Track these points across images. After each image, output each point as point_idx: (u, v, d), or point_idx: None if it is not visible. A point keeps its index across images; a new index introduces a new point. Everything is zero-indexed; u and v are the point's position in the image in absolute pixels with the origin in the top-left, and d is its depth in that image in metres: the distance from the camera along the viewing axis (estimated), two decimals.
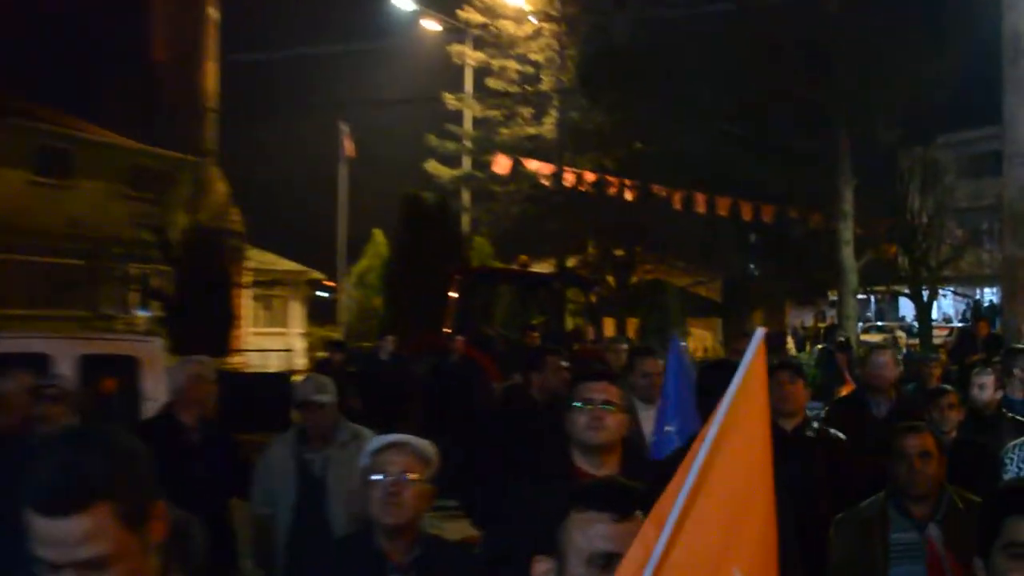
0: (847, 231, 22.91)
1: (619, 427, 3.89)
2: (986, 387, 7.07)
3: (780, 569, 1.99)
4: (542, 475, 3.76)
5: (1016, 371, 8.10)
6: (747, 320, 31.99)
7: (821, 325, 30.47)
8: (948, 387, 6.65)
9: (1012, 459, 6.20)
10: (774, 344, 26.11)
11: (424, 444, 3.54)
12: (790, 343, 26.95)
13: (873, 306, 48.16)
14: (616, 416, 3.87)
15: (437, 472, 3.47)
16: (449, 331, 15.65)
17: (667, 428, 5.27)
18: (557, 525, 2.27)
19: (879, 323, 40.97)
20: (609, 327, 28.06)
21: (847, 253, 23.00)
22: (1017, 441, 6.32)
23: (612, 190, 29.08)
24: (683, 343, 7.86)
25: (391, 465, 3.45)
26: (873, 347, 7.87)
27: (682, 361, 5.64)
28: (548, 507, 2.32)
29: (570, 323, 22.18)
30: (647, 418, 5.96)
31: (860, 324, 38.48)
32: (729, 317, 31.80)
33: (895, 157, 27.13)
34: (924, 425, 4.79)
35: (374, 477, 3.45)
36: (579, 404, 3.86)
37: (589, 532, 2.22)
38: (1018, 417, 7.10)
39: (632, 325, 28.79)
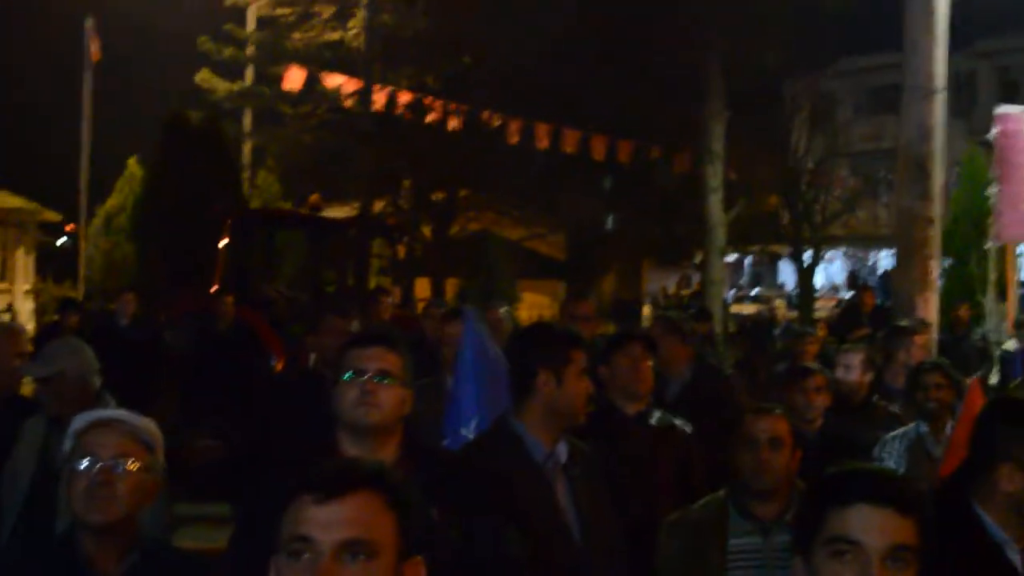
0: (715, 176, 23.19)
1: (396, 405, 3.78)
2: (852, 368, 7.37)
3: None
4: (299, 464, 3.71)
5: (900, 354, 8.51)
6: (596, 283, 32.40)
7: (685, 292, 31.16)
8: (814, 367, 6.87)
9: (890, 454, 6.53)
10: (627, 313, 26.68)
11: (145, 423, 3.48)
12: (647, 312, 27.50)
13: (748, 270, 49.63)
14: (392, 391, 3.77)
15: (201, 469, 3.44)
16: (218, 289, 15.40)
17: (463, 431, 5.28)
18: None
19: (754, 291, 42.19)
20: (424, 288, 28.08)
21: (714, 203, 23.26)
22: (894, 433, 6.66)
23: (433, 116, 28.85)
24: (505, 310, 7.95)
25: (101, 448, 3.38)
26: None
27: (479, 339, 5.67)
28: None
29: (377, 282, 22.10)
30: None
31: (731, 292, 39.70)
32: (574, 279, 32.04)
33: (779, 87, 27.68)
34: (779, 407, 5.00)
35: (78, 464, 3.38)
36: (347, 375, 3.78)
37: (293, 515, 2.31)
38: (893, 408, 7.44)
39: (452, 287, 28.83)
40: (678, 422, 6.02)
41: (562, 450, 4.47)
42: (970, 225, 20.54)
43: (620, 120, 26.56)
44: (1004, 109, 12.27)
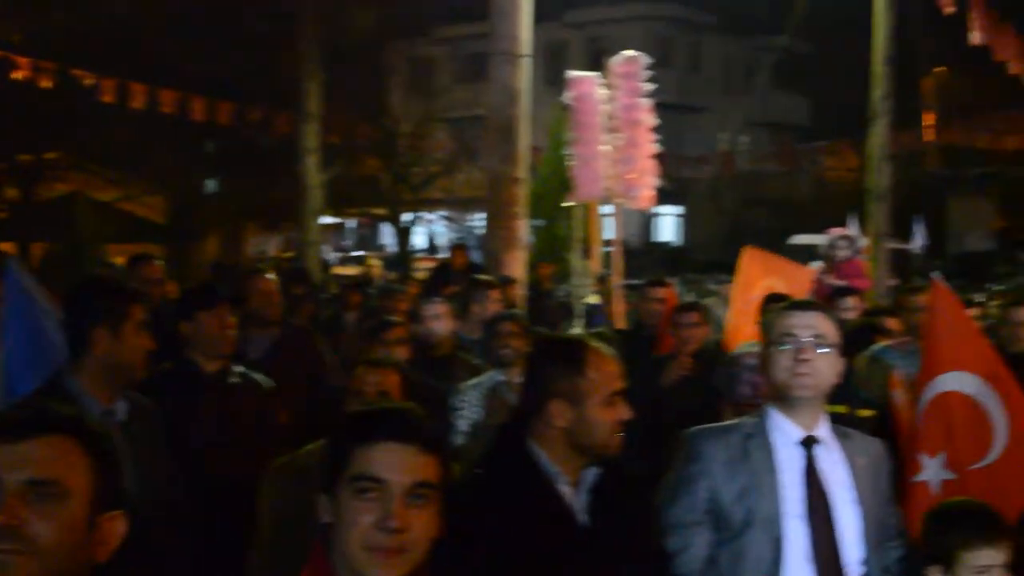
0: (311, 137, 23.26)
1: None
2: (434, 320, 7.57)
3: None
4: None
5: (476, 307, 8.74)
6: (197, 247, 31.78)
7: (287, 255, 31.02)
8: (395, 320, 7.01)
9: (467, 402, 6.71)
10: (226, 276, 26.23)
11: None
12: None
13: (353, 233, 49.93)
14: None
15: None
16: None
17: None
18: None
19: (357, 252, 42.50)
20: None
21: (310, 164, 23.35)
22: (471, 382, 6.86)
23: (20, 74, 27.33)
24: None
25: None
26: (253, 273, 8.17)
27: (24, 292, 5.43)
28: None
29: None
30: None
31: (336, 254, 39.85)
32: (175, 243, 31.29)
33: (377, 51, 27.91)
34: (391, 359, 5.06)
35: None
36: None
37: None
38: (472, 359, 7.68)
39: (40, 250, 27.52)
40: (258, 378, 5.99)
41: (121, 407, 4.36)
42: (558, 187, 21.38)
43: (220, 81, 26.03)
44: (577, 73, 12.78)
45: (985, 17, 18.52)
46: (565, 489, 3.61)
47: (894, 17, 18.22)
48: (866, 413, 5.79)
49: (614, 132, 12.21)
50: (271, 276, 7.81)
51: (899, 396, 5.51)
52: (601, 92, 12.38)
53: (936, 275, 5.25)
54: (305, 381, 7.29)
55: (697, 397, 6.51)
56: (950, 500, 4.10)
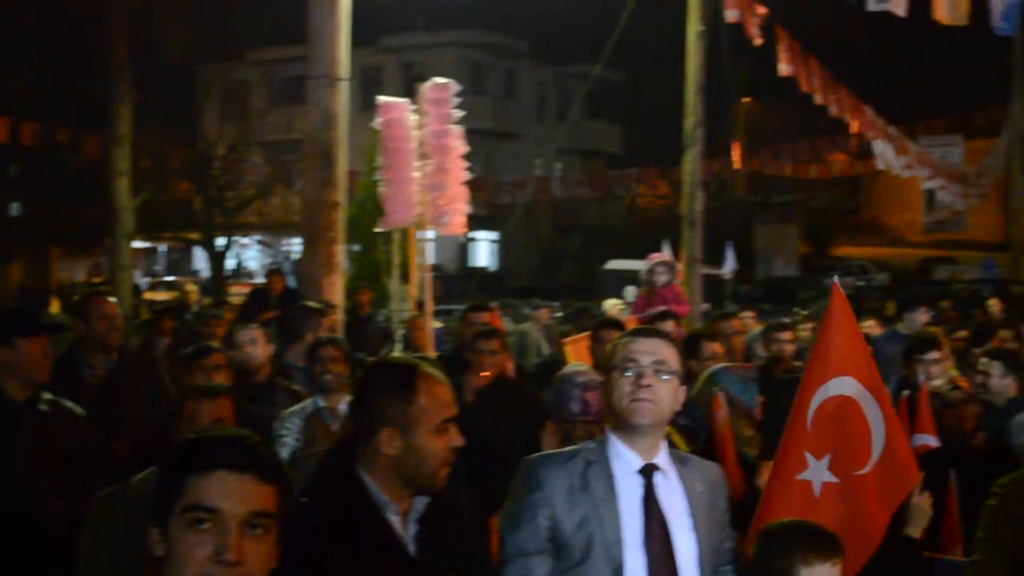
0: (122, 160, 22.79)
1: None
2: (251, 345, 7.44)
3: None
4: None
5: (308, 334, 8.63)
6: (1, 272, 30.78)
7: (96, 280, 30.22)
8: (214, 345, 6.85)
9: (289, 429, 6.58)
10: (35, 303, 25.43)
11: None
12: (55, 303, 26.36)
13: (164, 257, 48.92)
14: None
15: None
16: None
17: None
18: None
19: (169, 277, 41.70)
20: None
21: (121, 187, 22.88)
22: (292, 409, 6.74)
23: None
24: None
25: None
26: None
27: None
28: None
29: None
30: None
31: (147, 279, 38.95)
32: None
33: (190, 73, 27.53)
34: (223, 387, 4.93)
35: None
36: None
37: None
38: (293, 385, 7.57)
39: None
40: (69, 405, 5.82)
41: None
42: (376, 212, 21.28)
43: (26, 100, 25.24)
44: (387, 99, 12.71)
45: (791, 50, 19.16)
46: (394, 519, 3.51)
47: (705, 48, 18.70)
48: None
49: (424, 158, 12.19)
50: (113, 299, 7.55)
51: (721, 417, 5.58)
52: (412, 118, 12.34)
53: (835, 278, 5.37)
54: (147, 407, 7.07)
55: (512, 420, 6.54)
56: (785, 519, 4.14)
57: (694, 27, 18.49)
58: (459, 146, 12.27)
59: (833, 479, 4.79)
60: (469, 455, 5.46)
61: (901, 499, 4.91)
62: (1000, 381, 7.64)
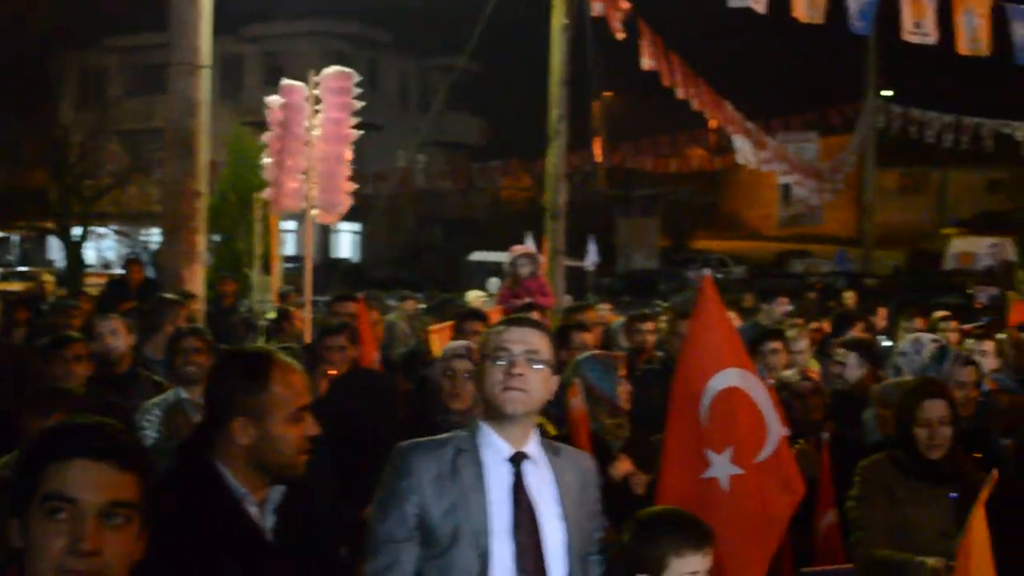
0: None
1: None
2: (110, 335, 7.32)
3: None
4: None
5: (167, 326, 8.50)
6: None
7: None
8: (75, 335, 6.74)
9: (150, 421, 6.47)
10: None
11: None
12: None
13: (17, 247, 47.66)
14: None
15: None
16: None
17: None
18: None
19: (23, 267, 40.59)
20: None
21: None
22: (154, 400, 6.63)
23: None
24: None
25: None
26: None
27: None
28: None
29: None
30: None
31: None
32: None
33: (44, 59, 26.84)
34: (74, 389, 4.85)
35: None
36: None
37: None
38: (155, 376, 7.46)
39: None
40: None
41: None
42: (237, 202, 21.03)
43: None
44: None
45: (654, 44, 19.40)
46: (252, 509, 3.46)
47: (569, 41, 18.84)
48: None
49: (313, 145, 12.12)
50: None
51: (576, 404, 5.66)
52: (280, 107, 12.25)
53: (706, 272, 5.45)
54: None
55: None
56: (657, 508, 4.18)
57: (559, 20, 18.63)
58: (352, 135, 12.27)
59: (738, 470, 4.86)
60: (330, 446, 5.47)
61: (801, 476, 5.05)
62: (856, 371, 7.87)
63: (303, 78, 12.30)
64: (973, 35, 16.15)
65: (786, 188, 36.13)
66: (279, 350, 3.78)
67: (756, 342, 8.08)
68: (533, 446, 3.88)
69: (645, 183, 56.30)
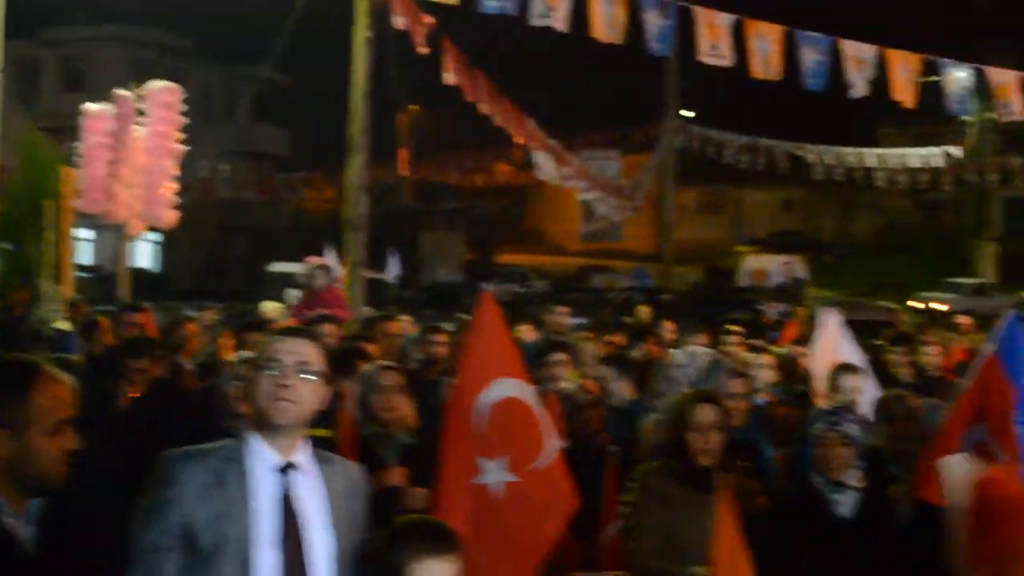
0: None
1: None
2: None
3: None
4: None
5: None
6: None
7: None
8: None
9: None
10: None
11: None
12: None
13: None
14: None
15: None
16: None
17: None
18: None
19: None
20: None
21: None
22: None
23: None
24: None
25: None
26: None
27: None
28: None
29: None
30: None
31: None
32: None
33: None
34: None
35: None
36: None
37: None
38: None
39: None
40: None
41: None
42: (29, 209, 20.35)
43: None
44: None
45: (457, 60, 19.54)
46: (10, 521, 3.40)
47: (372, 53, 18.81)
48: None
49: (134, 154, 11.94)
50: None
51: (348, 408, 5.85)
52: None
53: (487, 287, 5.53)
54: None
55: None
56: (408, 516, 4.21)
57: (362, 33, 18.57)
58: (177, 150, 12.13)
59: (515, 478, 4.96)
60: (129, 458, 5.37)
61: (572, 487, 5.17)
62: (615, 384, 8.05)
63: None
64: (766, 59, 16.63)
65: (589, 204, 36.71)
66: (51, 360, 3.71)
67: (541, 353, 8.22)
68: (302, 456, 3.88)
69: (451, 197, 56.57)
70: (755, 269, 44.15)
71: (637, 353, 11.00)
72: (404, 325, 13.20)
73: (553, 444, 5.13)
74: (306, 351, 3.85)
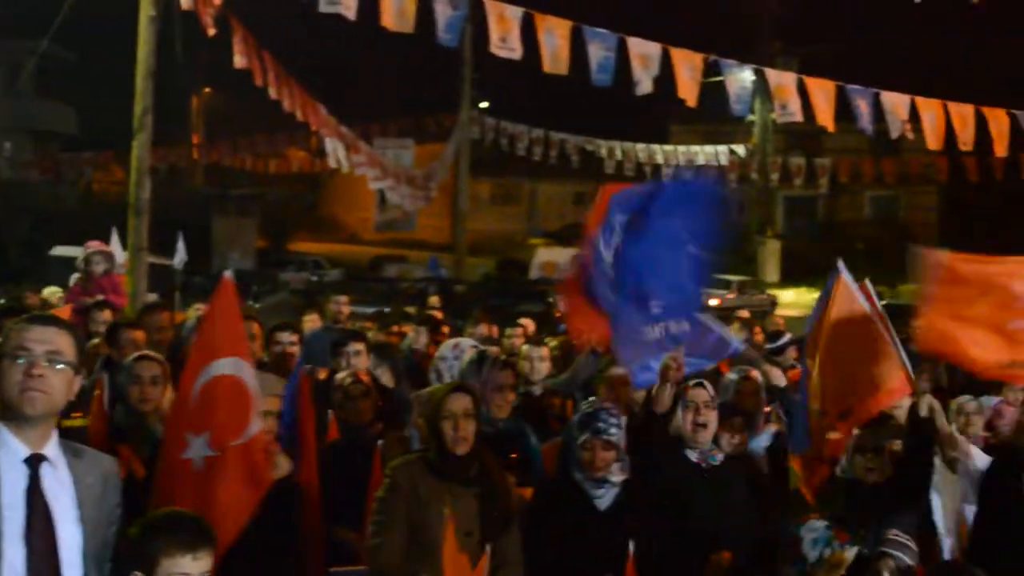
0: None
1: None
2: None
3: None
4: None
5: None
6: None
7: None
8: None
9: None
10: None
11: None
12: None
13: None
14: None
15: None
16: None
17: None
18: None
19: None
20: None
21: None
22: None
23: None
24: None
25: None
26: None
27: None
28: None
29: None
30: None
31: None
32: None
33: None
34: None
35: None
36: None
37: None
38: None
39: None
40: None
41: None
42: None
43: None
44: None
45: (246, 42, 19.20)
46: None
47: (157, 32, 18.23)
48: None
49: None
50: None
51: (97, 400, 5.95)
52: None
53: (227, 273, 5.53)
54: None
55: None
56: (162, 509, 4.16)
57: (147, 11, 17.97)
58: None
59: (213, 453, 5.02)
60: None
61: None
62: (376, 369, 8.20)
63: None
64: (555, 54, 16.79)
65: (383, 193, 36.51)
66: None
67: (340, 343, 8.25)
68: (52, 448, 3.77)
69: (244, 182, 55.62)
70: (546, 261, 44.55)
71: (419, 344, 11.07)
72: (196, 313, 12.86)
73: (257, 423, 5.19)
74: (58, 340, 3.75)
